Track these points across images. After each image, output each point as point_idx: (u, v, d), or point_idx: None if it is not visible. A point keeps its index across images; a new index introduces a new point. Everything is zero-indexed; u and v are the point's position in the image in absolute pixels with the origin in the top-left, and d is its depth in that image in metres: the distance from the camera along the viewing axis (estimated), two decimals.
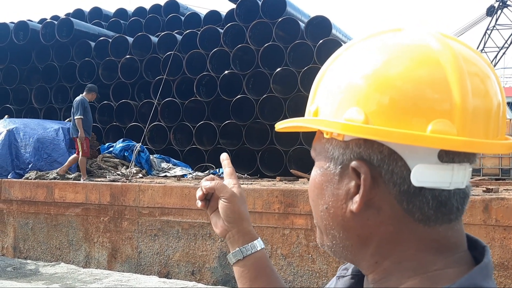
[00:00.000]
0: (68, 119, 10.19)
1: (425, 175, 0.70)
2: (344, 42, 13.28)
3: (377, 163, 0.72)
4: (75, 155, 10.06)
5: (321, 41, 11.84)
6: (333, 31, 12.73)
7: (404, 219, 0.73)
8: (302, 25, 12.56)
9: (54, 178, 9.72)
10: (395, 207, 0.73)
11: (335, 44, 12.02)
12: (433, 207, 0.72)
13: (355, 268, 0.87)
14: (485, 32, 25.61)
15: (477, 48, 26.02)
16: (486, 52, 25.75)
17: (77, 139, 9.89)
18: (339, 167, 0.76)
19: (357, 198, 0.74)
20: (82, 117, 9.76)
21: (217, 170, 11.98)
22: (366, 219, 0.74)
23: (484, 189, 7.16)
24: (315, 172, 0.80)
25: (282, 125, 0.83)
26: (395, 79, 0.69)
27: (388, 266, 0.75)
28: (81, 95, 10.12)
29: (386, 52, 0.72)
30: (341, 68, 0.76)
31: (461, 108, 0.68)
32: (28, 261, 8.98)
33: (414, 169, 0.70)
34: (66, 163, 10.08)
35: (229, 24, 13.16)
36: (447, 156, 0.70)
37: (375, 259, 0.76)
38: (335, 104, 0.74)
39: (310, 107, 0.80)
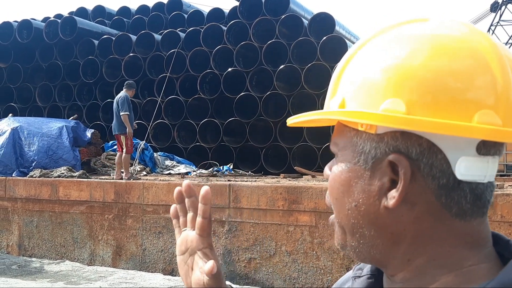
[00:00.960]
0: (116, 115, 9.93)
1: (467, 168, 0.68)
2: (348, 39, 13.27)
3: (416, 157, 0.69)
4: (119, 153, 9.75)
5: (324, 37, 11.82)
6: (337, 27, 12.70)
7: (441, 214, 0.70)
8: (306, 22, 12.54)
9: (59, 176, 9.73)
10: (431, 202, 0.70)
11: (339, 40, 11.99)
12: (470, 201, 0.70)
13: (372, 267, 0.84)
14: (489, 28, 25.52)
15: None
16: None
17: (121, 136, 9.65)
18: (371, 161, 0.72)
19: (393, 193, 0.71)
20: (128, 113, 9.61)
21: (221, 167, 11.98)
22: (400, 216, 0.71)
23: None
24: (339, 168, 0.76)
25: (299, 119, 0.78)
26: (437, 71, 0.67)
27: (421, 264, 0.73)
28: (123, 91, 9.93)
29: (422, 42, 0.69)
30: (370, 58, 0.72)
31: (505, 98, 0.66)
32: (33, 259, 9.00)
33: (459, 162, 0.68)
34: (124, 165, 9.60)
35: (232, 22, 13.15)
36: (484, 149, 0.69)
37: (407, 257, 0.73)
38: (367, 95, 0.70)
39: (332, 100, 0.76)
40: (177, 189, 0.94)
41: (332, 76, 0.77)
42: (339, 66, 0.77)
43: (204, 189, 0.90)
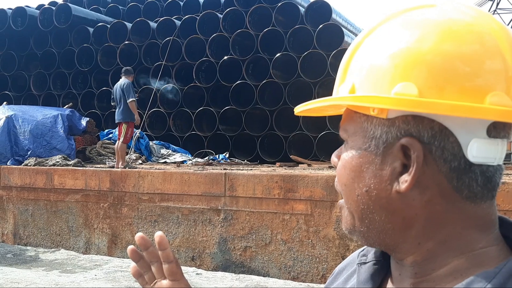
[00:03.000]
0: (113, 104, 9.72)
1: (479, 150, 0.69)
2: (345, 27, 13.21)
3: (428, 140, 0.69)
4: (118, 141, 9.53)
5: (321, 25, 11.77)
6: (333, 15, 12.64)
7: (452, 197, 0.71)
8: (302, 9, 12.47)
9: (54, 165, 9.69)
10: (443, 185, 0.71)
11: (336, 28, 11.94)
12: (481, 183, 0.70)
13: (376, 253, 0.84)
14: None
15: None
16: None
17: (123, 124, 9.43)
18: (383, 146, 0.73)
19: (406, 177, 0.71)
20: (135, 99, 9.36)
21: (217, 156, 11.97)
22: (412, 200, 0.71)
23: None
24: (349, 154, 0.75)
25: (307, 106, 0.78)
26: (447, 55, 0.68)
27: (432, 247, 0.73)
28: (124, 78, 9.61)
29: (431, 27, 0.70)
30: (380, 44, 0.72)
31: None
32: (28, 247, 8.99)
33: (471, 144, 0.68)
34: (120, 154, 9.42)
35: (228, 9, 13.07)
36: (494, 131, 0.69)
37: (418, 241, 0.73)
38: (378, 80, 0.71)
39: (342, 85, 0.76)
40: (130, 248, 0.94)
41: (340, 62, 0.77)
42: (348, 52, 0.77)
43: (158, 235, 0.91)
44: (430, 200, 0.71)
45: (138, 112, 9.79)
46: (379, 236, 0.75)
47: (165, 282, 0.91)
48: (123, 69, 9.98)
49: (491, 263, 0.71)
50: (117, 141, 9.68)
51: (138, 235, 0.91)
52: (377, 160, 0.73)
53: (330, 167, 9.27)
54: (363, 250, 0.88)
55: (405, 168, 0.71)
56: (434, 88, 0.67)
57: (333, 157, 0.81)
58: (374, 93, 0.71)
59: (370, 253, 0.85)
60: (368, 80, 0.72)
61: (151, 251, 0.92)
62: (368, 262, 0.84)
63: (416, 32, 0.70)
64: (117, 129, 12.38)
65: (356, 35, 14.08)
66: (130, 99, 9.34)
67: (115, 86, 9.78)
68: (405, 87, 0.68)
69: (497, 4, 24.90)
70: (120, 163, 9.30)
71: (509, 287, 0.67)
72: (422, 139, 0.70)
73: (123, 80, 9.60)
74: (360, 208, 0.75)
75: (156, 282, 0.92)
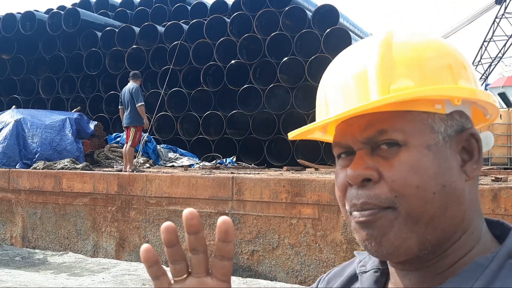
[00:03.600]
0: (121, 107, 9.70)
1: (488, 136, 0.78)
2: (352, 31, 13.21)
3: (473, 129, 0.79)
4: (126, 145, 9.54)
5: (328, 30, 11.77)
6: (341, 19, 12.65)
7: (475, 183, 0.78)
8: (309, 14, 12.49)
9: (62, 168, 9.74)
10: (476, 171, 0.77)
11: (343, 33, 11.95)
12: (479, 168, 0.78)
13: (374, 262, 0.86)
14: (494, 20, 25.36)
15: (486, 36, 25.80)
16: (495, 41, 25.52)
17: (131, 128, 9.43)
18: (449, 140, 0.76)
19: (473, 165, 0.77)
20: (144, 103, 9.36)
21: (224, 160, 11.98)
22: (472, 187, 0.77)
23: (493, 178, 7.11)
24: (418, 154, 0.73)
25: (411, 95, 0.72)
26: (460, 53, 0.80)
27: (465, 238, 0.77)
28: (132, 82, 9.62)
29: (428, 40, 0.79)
30: (412, 46, 0.77)
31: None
32: (37, 250, 9.03)
33: (486, 132, 0.77)
34: (128, 158, 9.40)
35: (235, 13, 13.10)
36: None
37: (460, 234, 0.76)
38: (435, 75, 0.75)
39: (394, 85, 0.74)
40: (168, 225, 0.72)
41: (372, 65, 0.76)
42: (378, 55, 0.76)
43: (222, 220, 0.70)
44: (472, 187, 0.77)
45: (146, 116, 9.81)
46: (442, 233, 0.75)
47: (210, 282, 0.70)
48: (131, 73, 10.00)
49: (491, 249, 0.76)
50: (125, 145, 9.70)
51: (189, 211, 0.70)
52: (446, 154, 0.75)
53: None
54: (360, 261, 0.89)
55: (468, 157, 0.77)
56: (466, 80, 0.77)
57: (363, 171, 0.75)
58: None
59: (369, 263, 0.87)
60: (425, 77, 0.75)
61: (200, 238, 0.71)
62: (368, 270, 0.85)
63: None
64: (124, 132, 12.44)
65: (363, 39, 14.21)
66: (139, 103, 9.35)
67: (123, 90, 9.79)
68: (463, 82, 0.77)
69: (505, 8, 24.80)
70: (128, 167, 9.32)
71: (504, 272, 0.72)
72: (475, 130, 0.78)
73: (131, 84, 9.61)
74: (436, 206, 0.73)
75: (193, 277, 0.71)
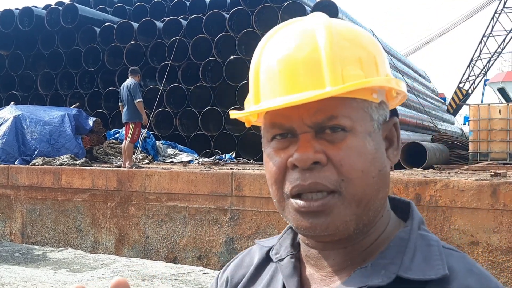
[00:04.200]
0: (120, 104, 9.66)
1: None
2: None
3: (396, 119, 0.86)
4: (125, 141, 9.51)
5: None
6: (340, 15, 12.64)
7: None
8: (308, 9, 12.46)
9: (61, 164, 9.73)
10: (396, 157, 0.86)
11: None
12: None
13: (287, 248, 0.89)
14: (493, 15, 25.32)
15: (485, 31, 25.73)
16: (494, 36, 25.50)
17: (130, 124, 9.41)
18: (380, 127, 0.82)
19: (394, 151, 0.85)
20: (142, 100, 9.34)
21: (223, 155, 11.97)
22: (389, 170, 0.84)
23: (492, 173, 7.11)
24: (361, 139, 0.78)
25: (351, 87, 0.75)
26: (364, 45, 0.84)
27: (386, 215, 0.84)
28: (130, 78, 9.58)
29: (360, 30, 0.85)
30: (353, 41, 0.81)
31: None
32: (36, 246, 9.04)
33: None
34: (127, 154, 9.36)
35: (234, 9, 13.07)
36: None
37: (382, 213, 0.84)
38: (370, 67, 0.80)
39: (353, 71, 0.78)
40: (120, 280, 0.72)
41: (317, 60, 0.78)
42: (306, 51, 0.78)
43: (116, 281, 0.71)
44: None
45: (145, 112, 9.79)
46: (376, 214, 0.81)
47: None
48: (130, 69, 9.98)
49: (399, 227, 0.84)
50: (124, 141, 9.69)
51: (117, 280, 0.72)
52: (380, 140, 0.81)
53: None
54: (272, 249, 0.91)
55: (390, 143, 0.84)
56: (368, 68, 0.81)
57: (313, 155, 0.76)
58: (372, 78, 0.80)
59: (281, 250, 0.89)
60: (361, 67, 0.79)
61: None
62: (284, 257, 0.87)
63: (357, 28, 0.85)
64: (123, 128, 12.43)
65: None
66: (137, 100, 9.33)
67: (122, 86, 9.76)
68: (385, 73, 0.83)
69: (504, 3, 24.77)
70: (127, 163, 9.31)
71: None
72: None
73: (129, 81, 9.59)
74: (373, 189, 0.79)
75: None
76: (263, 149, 0.86)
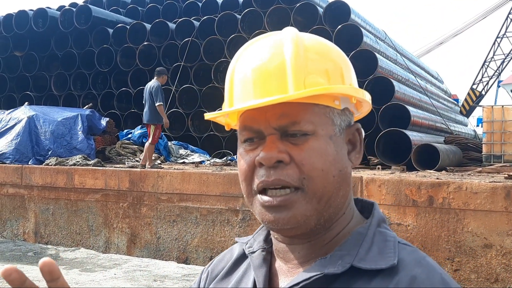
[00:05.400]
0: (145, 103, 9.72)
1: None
2: (363, 27, 13.14)
3: (358, 124, 0.95)
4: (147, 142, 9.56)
5: (340, 26, 11.72)
6: (352, 16, 12.58)
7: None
8: (321, 10, 12.43)
9: (74, 164, 9.80)
10: (358, 160, 0.95)
11: (354, 29, 11.89)
12: None
13: (260, 242, 0.98)
14: (507, 16, 25.10)
15: (499, 32, 25.51)
16: (508, 37, 25.27)
17: (151, 126, 9.45)
18: (342, 131, 0.90)
19: (356, 154, 0.94)
20: (163, 103, 9.36)
21: (235, 156, 11.97)
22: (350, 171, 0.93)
23: (506, 175, 7.05)
24: (323, 142, 0.87)
25: (314, 92, 0.84)
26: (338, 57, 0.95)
27: (347, 212, 0.92)
28: (155, 79, 9.63)
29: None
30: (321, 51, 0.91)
31: None
32: (49, 246, 9.11)
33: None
34: (147, 155, 9.39)
35: (246, 10, 13.08)
36: None
37: (344, 210, 0.92)
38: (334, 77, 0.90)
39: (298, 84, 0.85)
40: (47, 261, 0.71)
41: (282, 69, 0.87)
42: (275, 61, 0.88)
43: (43, 262, 0.71)
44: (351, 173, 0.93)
45: (165, 115, 9.77)
46: (337, 211, 0.90)
47: None
48: (156, 70, 9.97)
49: (362, 222, 0.93)
50: (147, 141, 9.70)
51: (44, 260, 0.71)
52: (341, 143, 0.90)
53: None
54: (247, 243, 0.99)
55: (352, 146, 0.93)
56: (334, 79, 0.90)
57: (277, 154, 0.85)
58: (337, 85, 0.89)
59: (254, 244, 0.98)
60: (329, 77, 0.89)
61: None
62: (256, 250, 0.96)
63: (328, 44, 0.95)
64: (136, 129, 12.50)
65: (375, 35, 13.83)
66: (158, 103, 9.31)
67: (146, 86, 9.79)
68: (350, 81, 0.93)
69: None
70: (147, 163, 9.30)
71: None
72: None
73: (153, 82, 9.58)
74: (334, 187, 0.87)
75: None
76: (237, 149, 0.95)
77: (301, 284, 0.84)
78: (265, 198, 0.86)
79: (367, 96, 0.93)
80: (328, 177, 0.86)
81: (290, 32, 0.91)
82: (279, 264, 0.93)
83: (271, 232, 0.95)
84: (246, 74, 0.89)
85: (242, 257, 1.01)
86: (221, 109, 0.97)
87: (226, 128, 1.06)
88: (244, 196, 0.92)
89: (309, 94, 0.83)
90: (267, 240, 0.98)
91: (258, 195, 0.88)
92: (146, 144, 9.52)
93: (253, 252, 0.97)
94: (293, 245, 0.91)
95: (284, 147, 0.85)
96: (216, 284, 1.01)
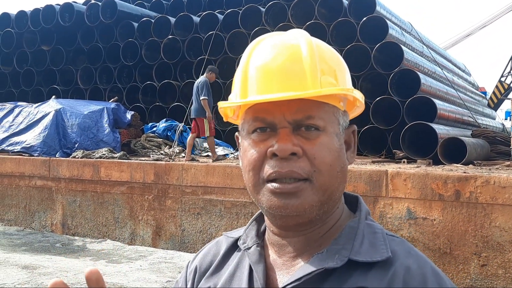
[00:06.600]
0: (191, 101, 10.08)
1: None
2: (389, 19, 12.99)
3: (355, 126, 1.02)
4: (192, 135, 9.96)
5: (365, 18, 11.59)
6: (377, 8, 12.44)
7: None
8: (346, 2, 12.31)
9: (100, 157, 9.93)
10: (353, 159, 1.02)
11: (379, 21, 11.75)
12: None
13: (253, 238, 1.02)
14: None
15: None
16: None
17: (198, 120, 9.79)
18: (343, 131, 0.97)
19: (351, 154, 1.01)
20: (207, 98, 9.69)
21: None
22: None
23: None
24: (331, 138, 0.93)
25: (326, 91, 0.91)
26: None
27: (340, 208, 0.99)
28: (203, 76, 10.06)
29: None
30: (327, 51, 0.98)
31: None
32: (76, 237, 9.25)
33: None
34: (210, 148, 9.95)
35: (270, 3, 13.03)
36: None
37: (338, 205, 0.98)
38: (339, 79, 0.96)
39: (316, 81, 0.91)
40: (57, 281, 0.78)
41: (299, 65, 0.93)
42: (309, 52, 0.94)
43: (90, 271, 0.78)
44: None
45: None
46: (334, 204, 0.96)
47: None
48: (208, 67, 10.29)
49: (351, 216, 1.00)
50: (190, 135, 10.05)
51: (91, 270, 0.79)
52: (342, 142, 0.97)
53: (373, 162, 9.15)
54: (239, 239, 1.03)
55: (347, 145, 1.00)
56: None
57: (292, 147, 0.90)
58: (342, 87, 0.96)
59: (248, 240, 1.02)
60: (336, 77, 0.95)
61: None
62: (251, 246, 1.00)
63: (330, 48, 1.01)
64: (160, 122, 12.58)
65: (400, 27, 13.60)
66: (202, 97, 9.66)
67: (196, 81, 10.16)
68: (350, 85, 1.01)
69: None
70: (212, 156, 9.67)
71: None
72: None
73: (201, 78, 9.99)
74: (337, 182, 0.94)
75: None
76: (239, 140, 1.02)
77: (303, 279, 0.89)
78: (276, 185, 0.91)
79: (362, 99, 1.00)
80: (334, 172, 0.92)
81: (301, 33, 0.98)
82: (273, 258, 0.98)
83: (267, 224, 1.00)
84: (264, 68, 0.93)
85: (231, 250, 1.06)
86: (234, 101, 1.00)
87: (224, 119, 1.13)
88: (250, 185, 0.96)
89: (327, 93, 0.89)
90: (258, 234, 1.03)
91: (267, 183, 0.92)
92: (208, 138, 9.89)
93: (249, 248, 1.01)
94: (288, 238, 0.96)
95: (297, 141, 0.91)
96: (207, 279, 1.04)
